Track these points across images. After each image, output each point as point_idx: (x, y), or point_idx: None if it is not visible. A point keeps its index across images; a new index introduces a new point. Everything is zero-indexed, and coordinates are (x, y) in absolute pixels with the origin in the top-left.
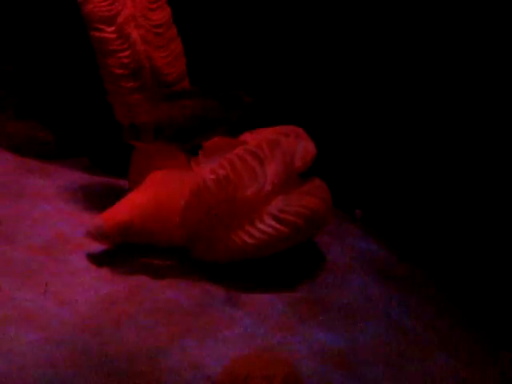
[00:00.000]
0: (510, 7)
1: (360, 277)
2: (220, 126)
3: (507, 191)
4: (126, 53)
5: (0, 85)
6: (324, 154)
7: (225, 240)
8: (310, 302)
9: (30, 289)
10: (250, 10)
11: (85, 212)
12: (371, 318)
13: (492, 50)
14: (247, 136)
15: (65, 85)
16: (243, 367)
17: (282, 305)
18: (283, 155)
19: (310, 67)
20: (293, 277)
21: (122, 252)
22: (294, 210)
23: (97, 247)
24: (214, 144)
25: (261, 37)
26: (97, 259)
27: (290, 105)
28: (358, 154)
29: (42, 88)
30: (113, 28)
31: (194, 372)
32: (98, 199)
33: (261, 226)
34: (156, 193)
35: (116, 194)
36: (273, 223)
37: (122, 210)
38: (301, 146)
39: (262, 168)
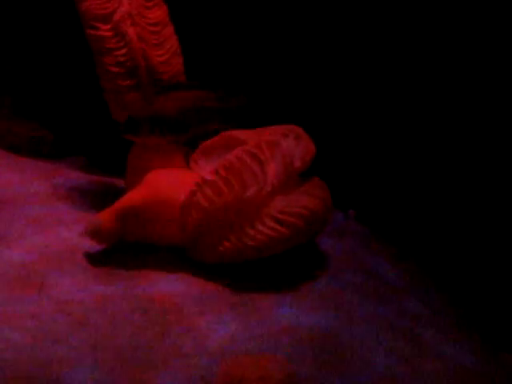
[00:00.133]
0: (510, 7)
1: (357, 277)
2: (216, 116)
3: (507, 191)
4: (122, 51)
5: None
6: (322, 152)
7: (224, 242)
8: (309, 302)
9: (25, 289)
10: (250, 9)
11: (82, 211)
12: (370, 319)
13: (492, 50)
14: (246, 135)
15: (62, 83)
16: (238, 369)
17: (280, 305)
18: (283, 156)
19: (308, 66)
20: (291, 277)
21: (119, 251)
22: (294, 211)
23: (93, 246)
24: (213, 142)
25: (260, 35)
26: (93, 258)
27: (289, 104)
28: (356, 153)
29: (40, 87)
30: (109, 26)
31: (189, 372)
32: (96, 198)
33: (261, 227)
34: (155, 192)
35: (113, 194)
36: (273, 225)
37: (120, 210)
38: (300, 146)
39: (262, 169)
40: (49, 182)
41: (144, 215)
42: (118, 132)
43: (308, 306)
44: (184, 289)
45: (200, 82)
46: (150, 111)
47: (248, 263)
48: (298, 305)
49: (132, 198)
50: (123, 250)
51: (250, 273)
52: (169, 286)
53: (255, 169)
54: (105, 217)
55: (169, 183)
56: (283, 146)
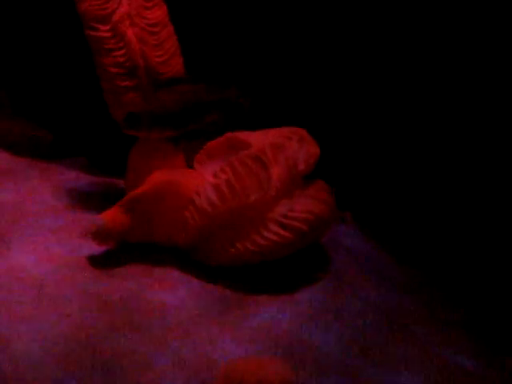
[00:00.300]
0: (510, 7)
1: (358, 279)
2: (215, 109)
3: (507, 193)
4: (121, 51)
5: None
6: (325, 154)
7: (228, 246)
8: (310, 304)
9: (25, 290)
10: (254, 10)
11: (82, 211)
12: (369, 320)
13: (492, 50)
14: (250, 136)
15: (63, 84)
16: (238, 371)
17: (280, 307)
18: (287, 159)
19: (312, 69)
20: (292, 279)
21: (121, 252)
22: (298, 216)
23: (95, 247)
24: (217, 144)
25: (263, 37)
26: (94, 259)
27: (293, 105)
28: (356, 156)
29: (40, 87)
30: (108, 27)
31: (188, 375)
32: (96, 199)
33: (265, 232)
34: (158, 193)
35: (114, 194)
36: (277, 229)
37: (124, 210)
38: (304, 149)
39: (266, 173)
40: (48, 183)
41: (147, 216)
42: (119, 129)
43: (309, 309)
44: (185, 290)
45: (194, 76)
46: (150, 106)
47: (251, 265)
48: (298, 308)
49: (136, 199)
50: (125, 251)
51: (252, 274)
52: (169, 287)
53: (259, 173)
54: (107, 217)
55: (173, 184)
56: (287, 148)
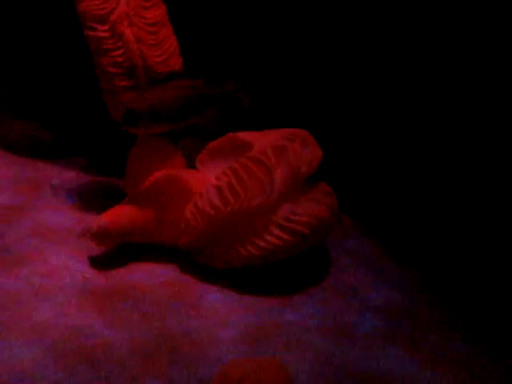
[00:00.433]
0: (510, 7)
1: (358, 279)
2: (214, 103)
3: (506, 193)
4: (120, 51)
5: None
6: (325, 155)
7: (229, 250)
8: (310, 305)
9: (24, 289)
10: (256, 11)
11: (81, 211)
12: (369, 320)
13: (492, 50)
14: (252, 137)
15: (62, 84)
16: (236, 371)
17: (282, 309)
18: (289, 162)
19: (314, 71)
20: (292, 279)
21: (121, 252)
22: (300, 220)
23: (95, 247)
24: (219, 144)
25: (265, 37)
26: (94, 259)
27: (296, 106)
28: (356, 157)
29: (40, 87)
30: (106, 27)
31: (185, 374)
32: (95, 199)
33: (267, 236)
34: (159, 194)
35: (113, 194)
36: (279, 233)
37: (125, 211)
38: (307, 151)
39: (269, 176)
40: (48, 183)
41: (149, 217)
42: (118, 129)
43: (310, 310)
44: (185, 291)
45: (192, 71)
46: (149, 102)
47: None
48: (299, 308)
49: (137, 199)
50: (125, 251)
51: (253, 275)
52: (169, 287)
53: (262, 176)
54: (107, 218)
55: (175, 185)
56: (290, 151)
